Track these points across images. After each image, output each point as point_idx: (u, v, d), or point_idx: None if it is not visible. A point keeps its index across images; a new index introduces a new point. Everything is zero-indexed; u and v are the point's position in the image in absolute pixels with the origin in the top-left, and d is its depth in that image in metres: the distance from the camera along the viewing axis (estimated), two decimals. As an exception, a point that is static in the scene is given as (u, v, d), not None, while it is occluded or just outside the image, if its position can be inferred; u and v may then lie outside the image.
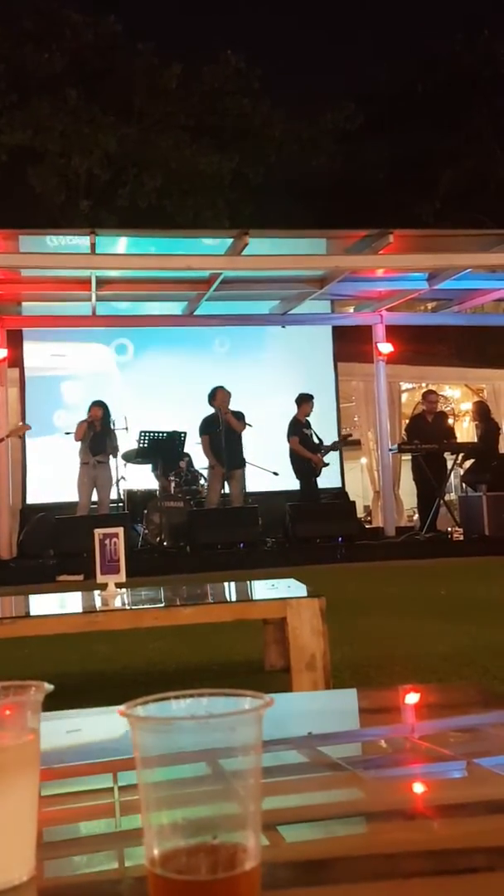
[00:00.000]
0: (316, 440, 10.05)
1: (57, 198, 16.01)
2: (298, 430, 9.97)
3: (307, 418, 10.10)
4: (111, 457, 9.55)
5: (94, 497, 9.57)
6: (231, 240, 9.16)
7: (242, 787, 0.57)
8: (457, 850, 0.76)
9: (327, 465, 10.09)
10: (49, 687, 0.68)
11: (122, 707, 0.60)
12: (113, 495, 9.80)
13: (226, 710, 0.60)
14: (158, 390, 11.55)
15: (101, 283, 9.79)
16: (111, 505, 9.70)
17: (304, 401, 10.10)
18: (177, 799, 0.58)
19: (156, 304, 11.13)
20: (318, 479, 10.02)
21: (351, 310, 12.01)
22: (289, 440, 9.92)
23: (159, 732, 0.58)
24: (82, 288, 10.01)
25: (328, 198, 16.57)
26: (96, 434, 9.38)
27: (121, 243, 9.75)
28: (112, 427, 9.62)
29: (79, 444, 9.49)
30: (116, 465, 9.78)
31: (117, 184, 16.44)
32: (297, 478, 9.90)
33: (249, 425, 9.82)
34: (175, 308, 11.12)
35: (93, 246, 8.88)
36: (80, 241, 9.27)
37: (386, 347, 11.26)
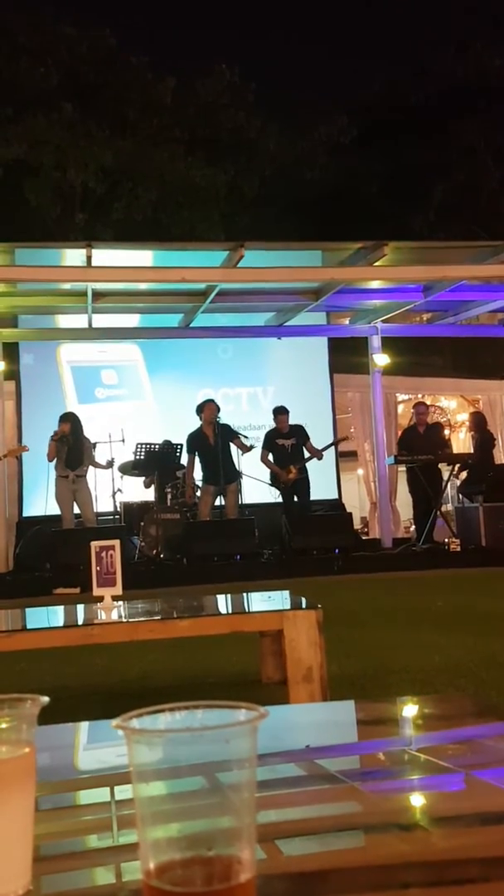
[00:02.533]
0: (292, 452, 9.80)
1: (52, 211, 16.07)
2: (269, 442, 9.82)
3: (289, 425, 9.87)
4: (93, 465, 9.45)
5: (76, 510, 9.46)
6: (226, 252, 9.19)
7: (237, 800, 0.58)
8: (453, 861, 0.77)
9: (302, 476, 9.76)
10: (45, 700, 0.69)
11: (116, 720, 0.60)
12: (109, 507, 9.77)
13: (220, 722, 0.60)
14: (158, 400, 11.58)
15: (97, 295, 9.82)
16: (107, 517, 9.67)
17: (277, 413, 9.93)
18: (172, 811, 0.58)
19: (152, 316, 11.15)
20: (307, 490, 9.87)
21: (346, 321, 12.04)
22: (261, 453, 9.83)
23: (154, 745, 0.59)
24: (78, 301, 10.04)
25: (322, 210, 16.65)
26: (70, 448, 9.28)
27: (116, 256, 9.77)
28: (85, 437, 9.50)
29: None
30: (112, 476, 9.75)
31: (112, 197, 16.52)
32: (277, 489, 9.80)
33: (253, 447, 9.76)
34: (171, 320, 11.14)
35: (89, 259, 8.90)
36: (76, 254, 9.29)
37: (382, 359, 11.29)
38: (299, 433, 9.87)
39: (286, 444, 9.79)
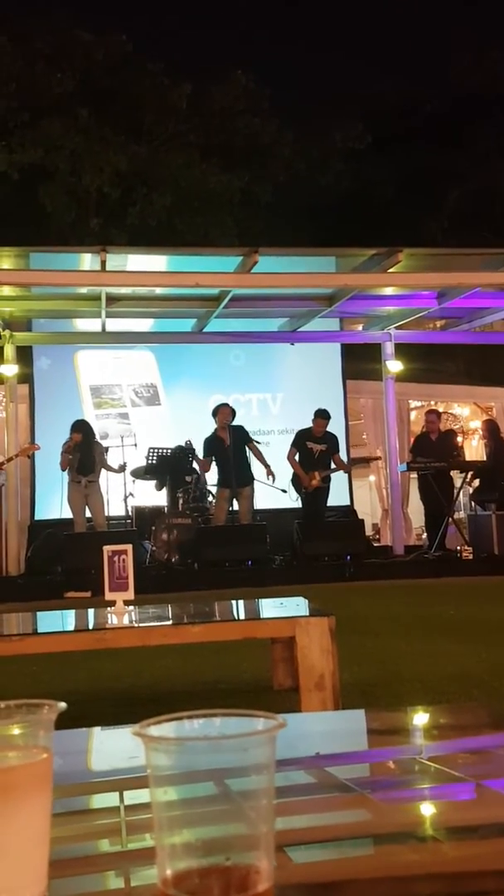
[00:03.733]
0: (318, 458, 9.76)
1: (67, 216, 16.14)
2: (299, 441, 9.78)
3: (325, 431, 9.81)
4: (106, 469, 9.50)
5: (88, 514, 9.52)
6: (240, 258, 9.21)
7: (255, 809, 0.57)
8: (467, 874, 0.76)
9: (324, 485, 9.73)
10: (62, 706, 0.69)
11: (135, 727, 0.60)
12: (121, 511, 9.80)
13: (238, 730, 0.60)
14: (171, 406, 11.61)
15: (111, 300, 9.85)
16: (119, 521, 9.70)
17: (315, 417, 9.89)
18: (190, 819, 0.58)
19: (165, 320, 11.18)
20: (326, 498, 9.86)
21: (360, 328, 12.04)
22: (289, 450, 9.80)
23: (171, 753, 0.59)
24: (92, 305, 10.08)
25: (336, 216, 16.66)
26: (82, 455, 9.35)
27: (130, 261, 9.80)
28: (97, 442, 9.55)
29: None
30: (125, 480, 9.77)
31: (127, 202, 16.57)
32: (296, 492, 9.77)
33: (258, 443, 9.79)
34: (184, 325, 11.16)
35: (103, 263, 8.94)
36: (91, 259, 9.34)
37: (395, 366, 11.27)
38: (332, 442, 9.81)
39: (315, 449, 9.73)
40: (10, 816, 0.64)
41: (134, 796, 1.03)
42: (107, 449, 9.80)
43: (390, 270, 9.40)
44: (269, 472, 9.41)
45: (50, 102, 16.58)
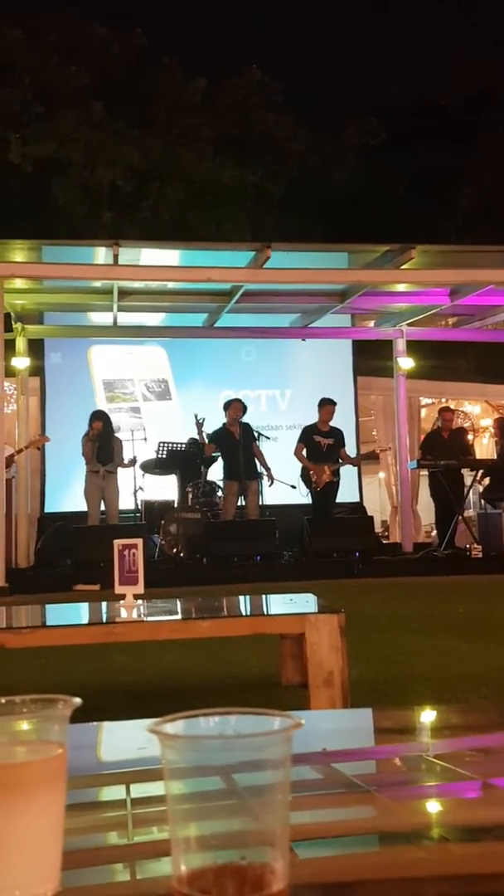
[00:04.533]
0: (326, 452, 9.72)
1: (80, 209, 16.14)
2: (306, 436, 9.76)
3: (330, 426, 9.82)
4: (120, 466, 9.53)
5: (102, 507, 9.56)
6: (252, 253, 9.20)
7: (270, 808, 0.57)
8: (477, 875, 0.76)
9: (334, 479, 9.72)
10: (77, 701, 0.69)
11: (150, 723, 0.60)
12: (130, 505, 9.82)
13: (254, 729, 0.60)
14: (182, 401, 11.62)
15: (123, 294, 9.86)
16: (128, 515, 9.72)
17: (321, 406, 9.89)
18: (205, 818, 0.58)
19: (176, 315, 11.18)
20: (336, 494, 9.85)
21: (371, 324, 12.01)
22: (296, 446, 9.79)
23: (187, 751, 0.58)
24: (104, 298, 10.09)
25: (350, 212, 16.61)
26: (101, 445, 9.41)
27: (143, 255, 9.80)
28: (116, 435, 9.61)
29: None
30: (134, 474, 9.79)
31: (140, 196, 16.56)
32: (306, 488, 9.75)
33: (268, 438, 9.80)
34: (196, 320, 11.16)
35: (115, 257, 8.94)
36: (103, 252, 9.34)
37: (406, 363, 11.25)
38: (339, 436, 9.81)
39: (323, 443, 9.72)
40: (24, 812, 0.64)
41: (140, 790, 1.03)
42: (133, 461, 9.86)
43: (403, 267, 9.38)
44: (269, 476, 9.44)
45: (64, 96, 16.58)
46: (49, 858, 0.66)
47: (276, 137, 17.53)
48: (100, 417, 9.55)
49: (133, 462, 9.67)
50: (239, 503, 9.54)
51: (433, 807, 0.98)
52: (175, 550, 9.12)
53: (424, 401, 13.69)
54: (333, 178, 17.58)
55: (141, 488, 9.96)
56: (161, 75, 17.32)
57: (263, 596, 3.53)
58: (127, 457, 9.70)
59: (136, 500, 9.91)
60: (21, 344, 10.90)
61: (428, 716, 1.53)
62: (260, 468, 9.57)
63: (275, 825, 0.57)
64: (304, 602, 3.08)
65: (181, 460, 9.77)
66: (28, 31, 16.61)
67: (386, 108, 18.77)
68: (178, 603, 3.40)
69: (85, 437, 9.48)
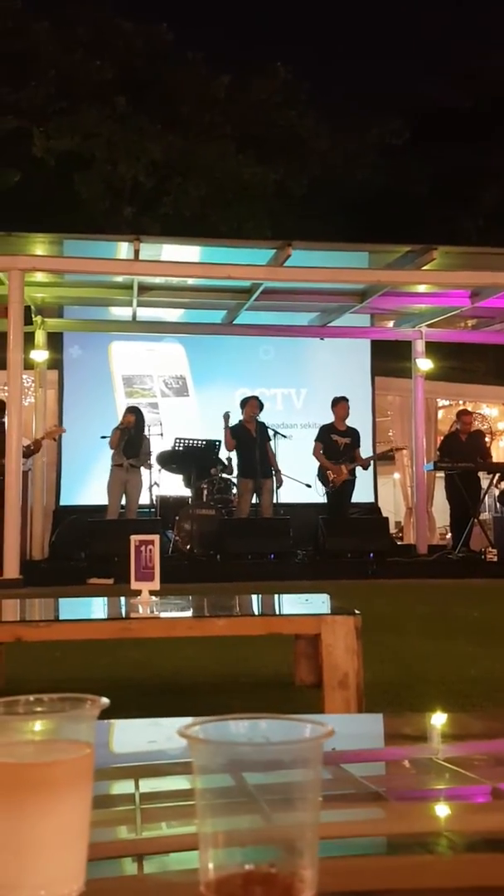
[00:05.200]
0: (343, 451, 9.70)
1: (101, 204, 16.18)
2: (324, 435, 9.75)
3: (347, 425, 9.80)
4: (143, 465, 9.55)
5: (123, 501, 9.58)
6: (273, 250, 9.18)
7: (300, 816, 0.57)
8: (487, 888, 0.75)
9: (352, 478, 9.73)
10: (105, 702, 0.68)
11: (181, 727, 0.59)
12: (145, 500, 9.84)
13: (286, 736, 0.60)
14: (199, 398, 11.63)
15: (142, 289, 9.87)
16: (143, 510, 9.73)
17: (335, 404, 9.86)
18: (234, 824, 0.57)
19: (195, 311, 11.19)
20: (351, 493, 9.83)
21: (390, 324, 11.97)
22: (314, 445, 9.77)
23: (218, 755, 0.58)
24: (124, 293, 10.10)
25: (371, 211, 16.56)
26: (130, 438, 9.43)
27: (163, 250, 9.81)
28: (146, 434, 9.65)
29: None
30: (150, 474, 9.81)
31: (161, 191, 16.59)
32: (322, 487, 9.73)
33: (284, 436, 9.78)
34: (215, 316, 11.16)
35: (136, 252, 8.95)
36: (124, 247, 9.35)
37: (425, 364, 11.21)
38: (355, 436, 9.80)
39: (340, 442, 9.70)
40: (50, 811, 0.64)
41: (149, 785, 1.04)
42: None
43: (424, 268, 9.34)
44: (279, 478, 9.44)
45: (88, 90, 16.62)
46: (74, 858, 0.65)
47: (299, 135, 17.50)
48: (133, 412, 9.59)
49: (150, 465, 9.67)
50: (253, 501, 9.54)
51: (441, 811, 0.98)
52: (189, 547, 9.13)
53: (442, 402, 13.64)
54: (355, 178, 17.53)
55: (156, 483, 9.98)
56: (185, 71, 17.32)
57: (279, 595, 3.53)
58: (153, 458, 9.70)
59: (151, 495, 9.93)
60: (40, 337, 10.95)
61: (440, 720, 1.52)
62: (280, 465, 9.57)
63: (305, 833, 0.57)
64: (321, 603, 3.07)
65: (197, 457, 9.78)
66: (54, 23, 16.66)
67: (409, 108, 18.70)
68: (194, 600, 3.40)
69: (116, 427, 9.51)
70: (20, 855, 0.63)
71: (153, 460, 9.80)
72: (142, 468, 9.56)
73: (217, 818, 0.57)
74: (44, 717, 0.68)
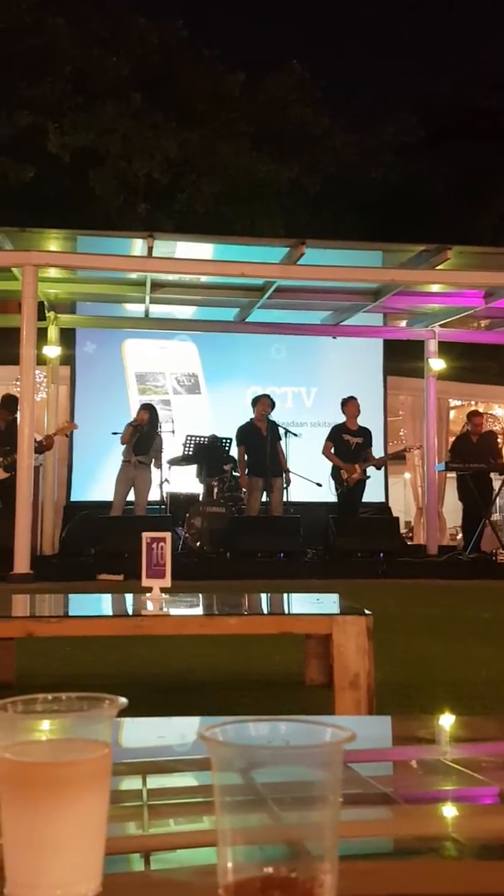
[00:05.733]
0: (355, 450, 9.67)
1: (115, 200, 16.18)
2: (335, 435, 9.74)
3: (357, 425, 9.79)
4: (153, 462, 9.52)
5: (131, 497, 9.58)
6: (287, 249, 9.17)
7: (320, 820, 0.56)
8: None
9: (364, 478, 9.71)
10: (123, 702, 0.68)
11: (201, 730, 0.59)
12: (156, 497, 9.85)
13: (306, 740, 0.59)
14: (211, 395, 11.64)
15: (155, 286, 9.87)
16: (153, 506, 9.74)
17: (345, 403, 9.83)
18: (253, 823, 0.57)
19: (208, 308, 11.19)
20: (363, 493, 9.81)
21: (403, 324, 11.94)
22: (324, 444, 9.76)
23: (237, 759, 0.58)
24: (137, 290, 10.11)
25: (385, 210, 16.51)
26: (142, 436, 9.43)
27: (177, 247, 9.81)
28: (158, 432, 9.63)
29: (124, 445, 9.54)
30: (161, 472, 9.81)
31: (175, 188, 16.57)
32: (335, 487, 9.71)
33: (295, 435, 9.77)
34: (227, 314, 11.16)
35: (150, 249, 8.95)
36: (138, 244, 9.36)
37: (437, 364, 11.18)
38: (367, 436, 9.78)
39: (352, 441, 9.68)
40: (67, 810, 0.63)
41: (156, 782, 1.04)
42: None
43: (438, 268, 9.31)
44: (287, 478, 9.43)
45: (104, 86, 16.62)
46: (91, 858, 0.65)
47: (314, 133, 17.45)
48: (147, 409, 9.59)
49: (159, 465, 9.64)
50: (263, 500, 9.53)
51: (448, 812, 0.97)
52: (199, 544, 9.13)
53: (453, 402, 13.59)
54: (370, 176, 17.48)
55: (167, 480, 9.98)
56: (200, 68, 17.30)
57: (290, 595, 3.52)
58: (164, 456, 9.69)
59: (161, 492, 9.93)
60: (53, 333, 10.97)
61: (450, 722, 1.51)
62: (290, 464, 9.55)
63: (326, 838, 0.56)
64: (332, 602, 3.06)
65: (207, 454, 9.78)
66: (71, 19, 16.66)
67: (425, 107, 18.63)
68: (205, 598, 3.40)
69: (129, 423, 9.51)
70: (37, 854, 0.63)
71: (165, 459, 9.80)
72: (152, 466, 9.54)
73: (236, 815, 0.57)
74: (62, 716, 0.68)
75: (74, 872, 0.64)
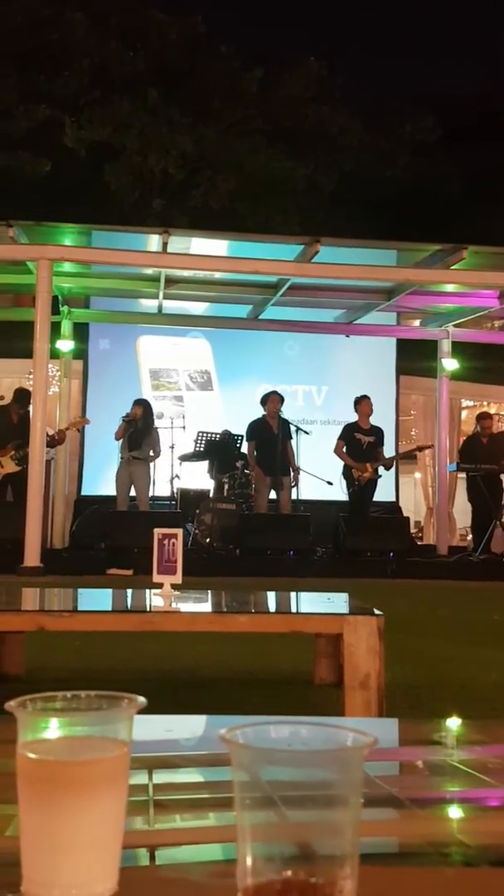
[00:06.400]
0: (367, 449, 9.65)
1: (130, 195, 16.19)
2: (347, 434, 9.73)
3: (370, 424, 9.78)
4: (151, 453, 9.48)
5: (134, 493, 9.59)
6: (301, 246, 9.15)
7: (341, 826, 0.56)
8: None
9: (376, 477, 9.74)
10: (142, 701, 0.68)
11: (222, 731, 0.59)
12: (166, 492, 9.85)
13: (327, 745, 0.59)
14: (223, 392, 11.65)
15: (169, 282, 9.87)
16: (163, 502, 9.75)
17: (358, 403, 9.81)
18: (274, 832, 0.56)
19: (221, 305, 11.18)
20: (373, 492, 9.79)
21: (417, 323, 11.90)
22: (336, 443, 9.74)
23: (257, 762, 0.57)
24: (150, 286, 10.11)
25: (401, 209, 16.46)
26: (136, 431, 9.42)
27: (191, 243, 9.80)
28: (155, 427, 9.60)
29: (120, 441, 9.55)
30: (172, 462, 9.80)
31: (191, 184, 16.57)
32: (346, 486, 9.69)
33: (307, 432, 9.76)
34: (240, 311, 11.15)
35: (165, 245, 8.95)
36: (152, 240, 9.36)
37: (451, 364, 11.14)
38: (379, 434, 9.76)
39: (364, 441, 9.67)
40: (85, 810, 0.63)
41: (162, 777, 1.04)
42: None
43: (453, 267, 9.27)
44: (295, 475, 9.42)
45: (121, 81, 16.63)
46: (108, 858, 0.65)
47: (331, 131, 17.40)
48: (141, 404, 9.56)
49: (154, 458, 9.56)
50: (272, 497, 9.53)
51: (454, 813, 0.97)
52: (208, 540, 9.14)
53: (465, 403, 13.55)
54: (386, 175, 17.43)
55: (178, 476, 9.99)
56: (218, 64, 17.28)
57: (300, 593, 3.52)
58: (164, 446, 9.67)
59: (172, 487, 9.94)
60: (66, 327, 10.99)
61: (460, 724, 1.51)
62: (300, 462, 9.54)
63: (347, 843, 0.56)
64: (343, 602, 3.06)
65: (219, 450, 9.78)
66: (90, 14, 16.67)
67: (443, 106, 18.56)
68: (215, 595, 3.40)
69: (123, 418, 9.51)
70: (54, 853, 0.63)
71: (176, 455, 9.80)
72: (149, 461, 9.49)
73: (256, 815, 0.56)
74: (81, 714, 0.67)
75: (91, 872, 0.64)
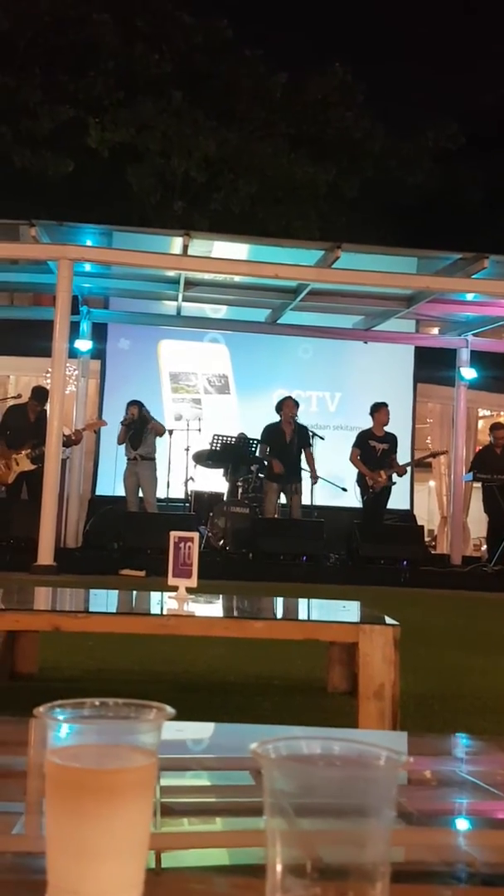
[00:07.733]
0: (381, 456, 9.63)
1: (152, 197, 16.23)
2: (362, 441, 9.72)
3: (384, 431, 9.78)
4: (154, 439, 9.52)
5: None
6: (322, 252, 9.14)
7: (374, 844, 0.55)
8: None
9: (390, 484, 9.72)
10: (171, 711, 0.67)
11: (253, 745, 0.58)
12: (180, 494, 9.86)
13: (360, 765, 0.58)
14: (239, 396, 11.66)
15: (188, 284, 9.89)
16: (177, 504, 9.76)
17: (374, 410, 9.82)
18: (305, 847, 0.56)
19: (240, 309, 11.19)
20: (387, 499, 9.76)
21: (435, 331, 11.87)
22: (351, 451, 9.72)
23: (290, 777, 0.57)
24: (170, 288, 10.13)
25: (422, 216, 16.42)
26: (135, 432, 9.47)
27: (212, 247, 9.81)
28: (150, 425, 9.61)
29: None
30: (186, 464, 9.82)
31: (212, 187, 16.59)
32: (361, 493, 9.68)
33: (322, 438, 9.76)
34: (259, 315, 11.15)
35: (185, 248, 8.96)
36: (173, 242, 9.38)
37: (469, 373, 11.10)
38: (393, 442, 9.74)
39: (378, 448, 9.65)
40: (112, 818, 0.63)
41: (169, 780, 1.03)
42: (171, 431, 9.94)
43: (474, 276, 9.24)
44: (314, 479, 9.41)
45: (145, 83, 16.67)
46: (133, 867, 0.65)
47: (354, 137, 17.38)
48: (136, 405, 9.63)
49: (161, 433, 9.64)
50: (282, 502, 9.52)
51: (461, 825, 0.96)
52: (221, 543, 9.14)
53: (482, 412, 13.49)
54: (408, 181, 17.39)
55: (192, 478, 10.00)
56: (243, 67, 17.29)
57: (315, 600, 3.51)
58: (179, 447, 9.70)
59: (186, 489, 9.95)
60: (85, 327, 11.02)
61: (470, 738, 1.50)
62: (305, 465, 9.51)
63: (378, 861, 0.55)
64: (358, 610, 3.04)
65: (234, 454, 9.79)
66: (116, 15, 16.72)
67: (466, 113, 18.50)
68: (230, 600, 3.40)
69: (121, 423, 9.56)
70: (80, 861, 0.63)
71: (190, 458, 9.83)
72: (154, 458, 9.55)
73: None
74: (109, 722, 0.67)
75: (116, 880, 0.63)
